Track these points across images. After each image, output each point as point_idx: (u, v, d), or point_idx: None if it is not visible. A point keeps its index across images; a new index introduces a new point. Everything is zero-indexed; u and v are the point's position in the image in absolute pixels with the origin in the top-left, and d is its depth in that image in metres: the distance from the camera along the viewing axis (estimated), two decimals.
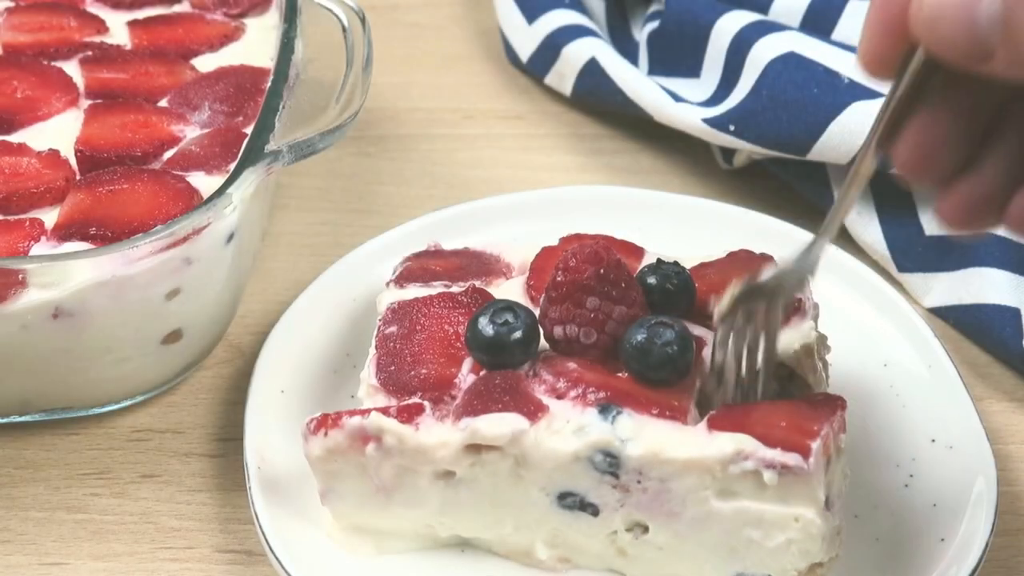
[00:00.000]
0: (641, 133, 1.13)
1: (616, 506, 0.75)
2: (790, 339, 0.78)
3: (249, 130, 0.89)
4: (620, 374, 0.76)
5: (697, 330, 0.78)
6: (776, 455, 0.71)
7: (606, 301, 0.76)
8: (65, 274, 0.80)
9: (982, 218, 0.67)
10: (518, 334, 0.76)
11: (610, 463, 0.74)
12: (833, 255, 0.94)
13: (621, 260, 0.77)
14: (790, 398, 0.78)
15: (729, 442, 0.72)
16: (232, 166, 0.86)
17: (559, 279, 0.76)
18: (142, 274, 0.81)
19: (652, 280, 0.80)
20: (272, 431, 0.84)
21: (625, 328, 0.76)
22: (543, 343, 0.78)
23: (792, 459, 0.71)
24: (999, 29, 0.58)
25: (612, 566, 0.78)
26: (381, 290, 0.86)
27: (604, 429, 0.73)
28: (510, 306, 0.77)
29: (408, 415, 0.76)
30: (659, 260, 0.81)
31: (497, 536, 0.79)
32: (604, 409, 0.74)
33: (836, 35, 1.10)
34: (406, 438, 0.75)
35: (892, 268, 1.01)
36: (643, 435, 0.73)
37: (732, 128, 1.03)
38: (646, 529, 0.76)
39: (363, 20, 0.98)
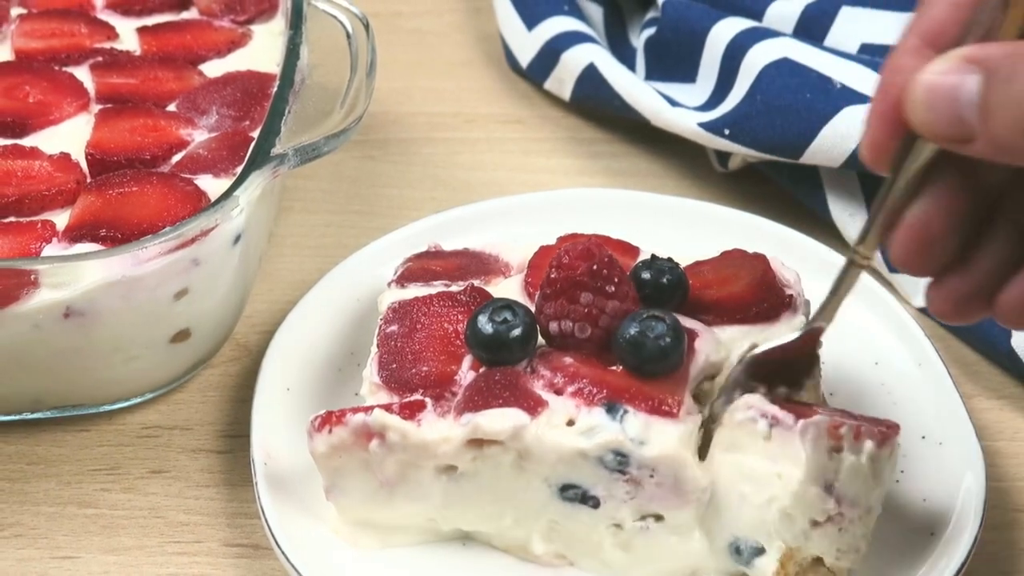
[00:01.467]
0: (638, 137, 1.13)
1: (624, 498, 0.75)
2: (782, 334, 0.78)
3: (256, 134, 0.89)
4: (615, 368, 0.76)
5: (690, 323, 0.78)
6: (774, 410, 0.72)
7: (599, 296, 0.76)
8: (76, 275, 0.80)
9: (972, 311, 0.70)
10: (517, 331, 0.76)
11: (620, 461, 0.74)
12: (825, 256, 0.94)
13: (613, 256, 0.77)
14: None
15: (748, 398, 0.74)
16: (239, 169, 0.86)
17: (553, 276, 0.76)
18: (151, 275, 0.81)
19: (646, 275, 0.80)
20: (278, 428, 0.84)
21: (618, 322, 0.76)
22: (540, 339, 0.78)
23: (784, 415, 0.72)
24: (978, 111, 0.61)
25: (609, 564, 0.78)
26: (383, 290, 0.86)
27: (614, 429, 0.73)
28: (509, 304, 0.77)
29: (410, 411, 0.76)
30: (653, 256, 0.82)
31: (497, 530, 0.79)
32: (611, 409, 0.74)
33: (828, 41, 1.10)
34: (409, 434, 0.75)
35: (883, 268, 1.01)
36: (653, 435, 0.73)
37: (727, 132, 1.03)
38: (659, 518, 0.76)
39: (367, 27, 0.98)
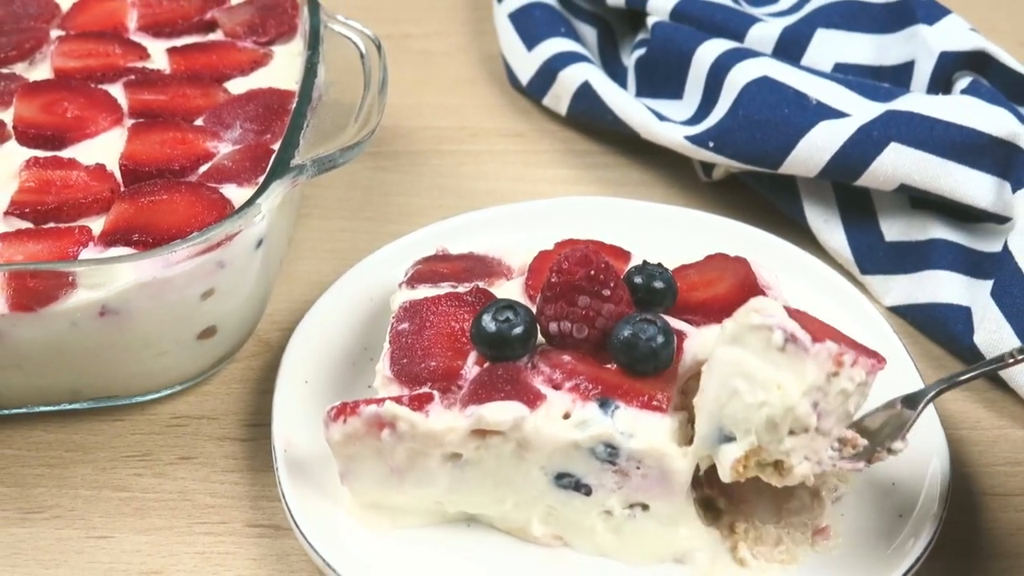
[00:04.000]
0: (629, 149, 1.13)
1: (614, 488, 0.75)
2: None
3: (276, 146, 0.89)
4: (609, 365, 0.76)
5: (678, 324, 0.78)
6: (793, 327, 0.70)
7: (596, 299, 0.76)
8: (111, 276, 0.80)
9: None
10: (518, 330, 0.76)
11: (610, 453, 0.74)
12: (801, 259, 0.94)
13: (609, 262, 0.77)
14: None
15: (759, 300, 0.72)
16: (261, 179, 0.85)
17: (553, 280, 0.76)
18: (180, 276, 0.81)
19: (638, 279, 0.80)
20: (297, 418, 0.84)
21: (613, 324, 0.76)
22: (540, 338, 0.78)
23: (803, 335, 0.70)
24: None
25: (602, 546, 0.78)
26: (394, 290, 0.86)
27: (606, 423, 0.73)
28: (511, 304, 0.77)
29: (419, 403, 0.76)
30: (644, 262, 0.81)
31: (498, 513, 0.79)
32: (604, 404, 0.74)
33: (805, 60, 1.10)
34: (417, 424, 0.75)
35: (855, 271, 1.01)
36: (641, 429, 0.73)
37: (711, 144, 1.03)
38: (645, 507, 0.76)
39: (379, 47, 0.98)
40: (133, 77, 0.98)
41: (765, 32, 1.11)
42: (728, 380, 0.72)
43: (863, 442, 0.74)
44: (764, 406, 0.71)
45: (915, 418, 0.76)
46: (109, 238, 0.83)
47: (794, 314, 0.72)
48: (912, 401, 0.78)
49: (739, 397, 0.71)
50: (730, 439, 0.73)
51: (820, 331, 0.72)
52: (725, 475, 0.73)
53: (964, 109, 0.97)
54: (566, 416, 0.74)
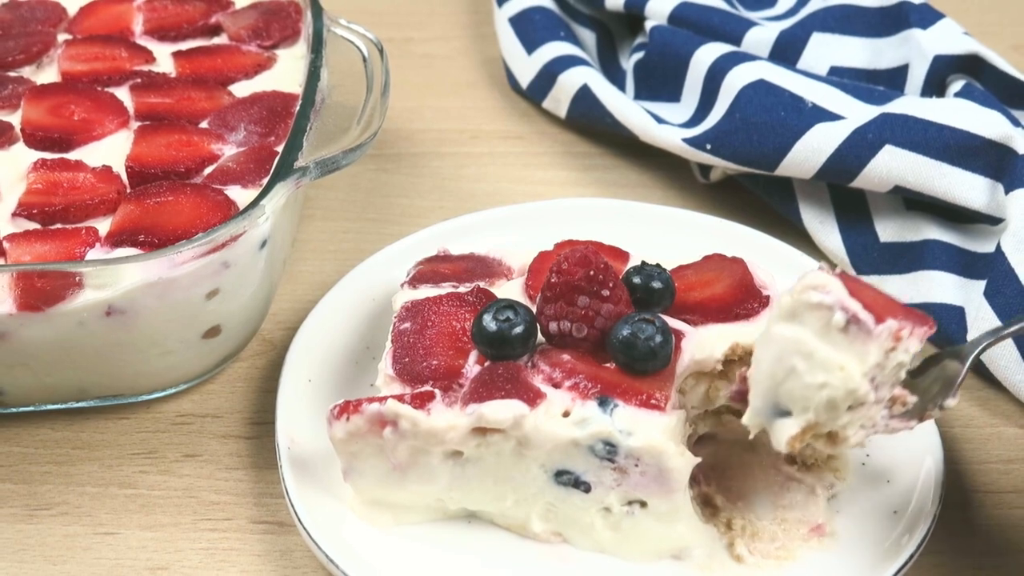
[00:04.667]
0: (628, 151, 1.13)
1: (612, 485, 0.75)
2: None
3: (280, 148, 0.89)
4: (608, 365, 0.76)
5: (676, 324, 0.78)
6: (855, 307, 0.68)
7: (595, 299, 0.76)
8: (117, 276, 0.80)
9: None
10: (518, 329, 0.76)
11: (609, 450, 0.74)
12: (797, 259, 0.94)
13: (608, 263, 0.76)
14: None
15: (817, 275, 0.69)
16: (265, 180, 0.86)
17: (553, 280, 0.76)
18: (185, 276, 0.81)
19: (636, 280, 0.80)
20: (301, 416, 0.84)
21: (612, 323, 0.76)
22: (540, 337, 0.78)
23: (865, 316, 0.68)
24: None
25: (600, 543, 0.78)
26: (396, 290, 0.86)
27: (605, 422, 0.73)
28: (511, 304, 0.77)
29: (421, 401, 0.75)
30: (643, 262, 0.81)
31: (499, 509, 0.79)
32: (603, 402, 0.74)
33: (801, 64, 1.10)
34: (419, 422, 0.75)
35: (851, 271, 1.00)
36: (639, 427, 0.73)
37: (709, 147, 1.03)
38: (643, 504, 0.76)
39: (381, 51, 0.98)
40: (139, 80, 0.98)
41: (762, 36, 1.11)
42: (785, 358, 0.70)
43: (912, 399, 0.72)
44: (824, 388, 0.69)
45: (964, 374, 0.74)
46: (115, 239, 0.83)
47: (851, 286, 0.69)
48: (958, 355, 0.75)
49: (797, 376, 0.69)
50: (786, 414, 0.71)
51: (877, 305, 0.69)
52: (780, 447, 0.71)
53: (958, 112, 0.97)
54: (566, 414, 0.74)
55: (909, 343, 0.69)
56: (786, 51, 1.10)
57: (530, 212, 0.99)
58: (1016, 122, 0.97)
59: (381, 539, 0.79)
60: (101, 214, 0.86)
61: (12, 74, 0.99)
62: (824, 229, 1.02)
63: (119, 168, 0.90)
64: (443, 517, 0.80)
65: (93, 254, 0.83)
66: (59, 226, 0.85)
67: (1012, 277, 0.91)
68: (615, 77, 1.17)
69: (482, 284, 0.84)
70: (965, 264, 0.97)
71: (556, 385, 0.75)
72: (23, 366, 0.84)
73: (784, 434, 0.71)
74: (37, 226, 0.85)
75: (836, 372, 0.68)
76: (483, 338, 0.77)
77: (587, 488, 0.76)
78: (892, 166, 0.97)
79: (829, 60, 1.10)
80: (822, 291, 0.69)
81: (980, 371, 0.92)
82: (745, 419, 0.73)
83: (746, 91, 1.02)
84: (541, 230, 0.94)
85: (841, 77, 1.08)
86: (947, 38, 1.05)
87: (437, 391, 0.76)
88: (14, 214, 0.86)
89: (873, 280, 0.99)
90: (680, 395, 0.77)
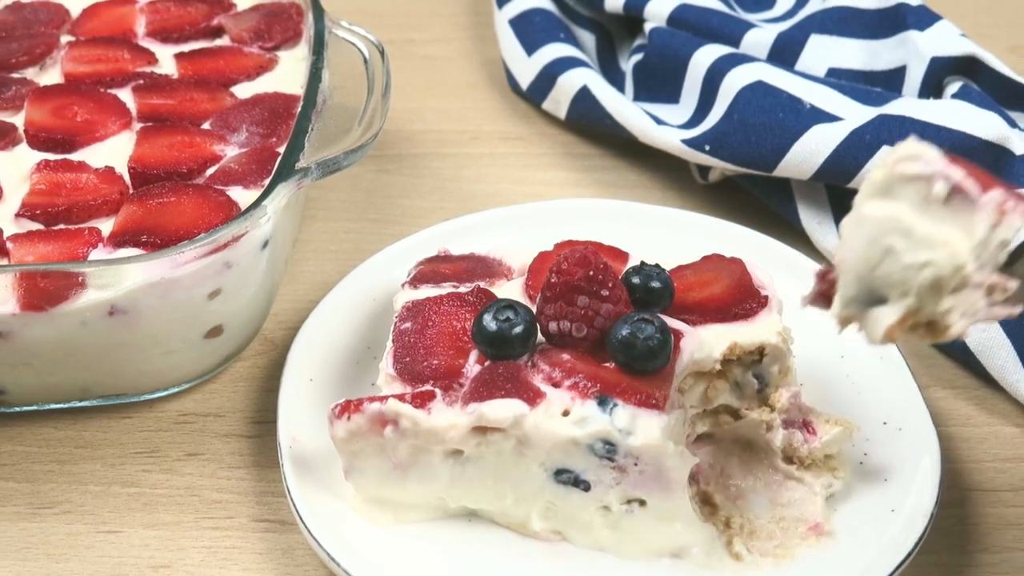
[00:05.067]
0: (627, 152, 1.13)
1: (612, 484, 0.75)
2: (764, 330, 0.78)
3: (282, 149, 0.89)
4: (608, 364, 0.76)
5: (675, 324, 0.78)
6: (957, 175, 0.61)
7: (595, 300, 0.76)
8: (119, 276, 0.80)
9: None
10: (518, 329, 0.76)
11: (608, 449, 0.74)
12: (794, 259, 0.94)
13: (608, 263, 0.76)
14: (758, 382, 0.78)
15: (911, 144, 0.63)
16: (267, 181, 0.85)
17: (553, 280, 0.76)
18: (187, 276, 0.81)
19: (636, 280, 0.79)
20: (302, 415, 0.84)
21: (612, 323, 0.76)
22: (540, 337, 0.78)
23: (970, 184, 0.61)
24: None
25: (600, 541, 0.78)
26: (397, 290, 0.86)
27: (604, 421, 0.73)
28: (511, 304, 0.77)
29: (421, 401, 0.75)
30: (642, 262, 0.81)
31: (499, 508, 0.79)
32: (602, 401, 0.74)
33: (799, 66, 1.10)
34: (420, 421, 0.75)
35: None
36: (638, 426, 0.73)
37: (707, 148, 1.03)
38: (643, 503, 0.76)
39: (382, 53, 0.98)
40: (141, 82, 0.98)
41: (760, 38, 1.11)
42: (881, 238, 0.63)
43: (1013, 284, 0.63)
44: (927, 267, 0.62)
45: None
46: (118, 239, 0.83)
47: (952, 159, 0.62)
48: None
49: (895, 257, 0.63)
50: (881, 302, 0.65)
51: (977, 175, 0.62)
52: (876, 339, 0.65)
53: (955, 113, 0.97)
54: (565, 413, 0.74)
55: (1013, 217, 0.62)
56: (784, 53, 1.10)
57: (530, 213, 0.99)
58: (1013, 123, 0.97)
59: (382, 537, 0.79)
60: (104, 215, 0.86)
61: (15, 76, 0.99)
62: (822, 229, 1.02)
63: (122, 169, 0.90)
64: (443, 516, 0.80)
65: (96, 254, 0.83)
66: (62, 226, 0.85)
67: None
68: (614, 78, 1.17)
69: (482, 284, 0.84)
70: None
71: (556, 384, 0.75)
72: (26, 365, 0.84)
73: (881, 324, 0.64)
74: (40, 227, 0.85)
75: (940, 248, 0.62)
76: (483, 338, 0.77)
77: (586, 487, 0.76)
78: None
79: (827, 61, 1.10)
80: (920, 160, 0.62)
81: (977, 370, 0.92)
82: (833, 311, 0.66)
83: (744, 92, 1.02)
84: (541, 230, 0.94)
85: (839, 78, 1.08)
86: (944, 40, 1.05)
87: (438, 390, 0.76)
88: (17, 215, 0.86)
89: None
90: (679, 394, 0.77)
